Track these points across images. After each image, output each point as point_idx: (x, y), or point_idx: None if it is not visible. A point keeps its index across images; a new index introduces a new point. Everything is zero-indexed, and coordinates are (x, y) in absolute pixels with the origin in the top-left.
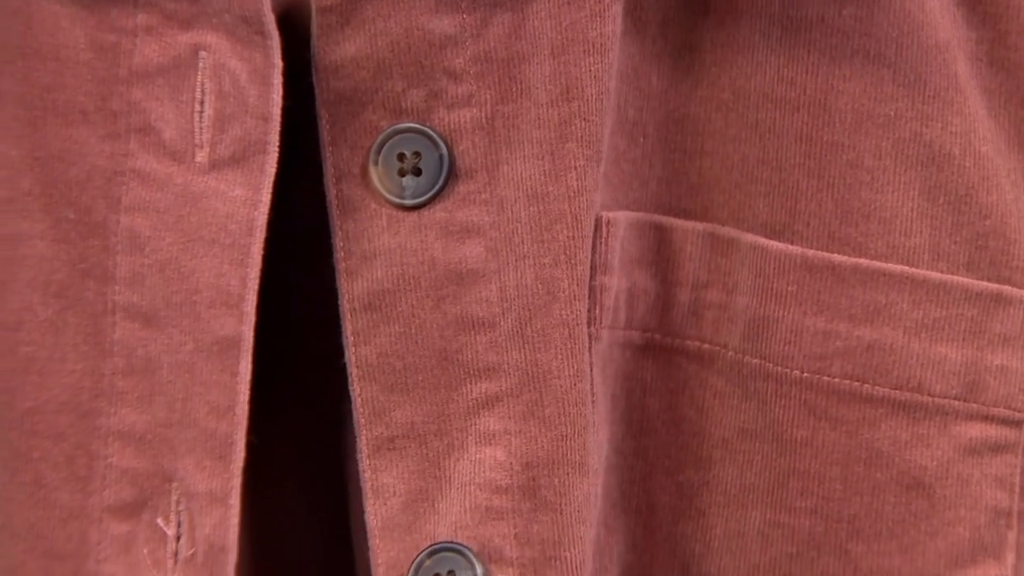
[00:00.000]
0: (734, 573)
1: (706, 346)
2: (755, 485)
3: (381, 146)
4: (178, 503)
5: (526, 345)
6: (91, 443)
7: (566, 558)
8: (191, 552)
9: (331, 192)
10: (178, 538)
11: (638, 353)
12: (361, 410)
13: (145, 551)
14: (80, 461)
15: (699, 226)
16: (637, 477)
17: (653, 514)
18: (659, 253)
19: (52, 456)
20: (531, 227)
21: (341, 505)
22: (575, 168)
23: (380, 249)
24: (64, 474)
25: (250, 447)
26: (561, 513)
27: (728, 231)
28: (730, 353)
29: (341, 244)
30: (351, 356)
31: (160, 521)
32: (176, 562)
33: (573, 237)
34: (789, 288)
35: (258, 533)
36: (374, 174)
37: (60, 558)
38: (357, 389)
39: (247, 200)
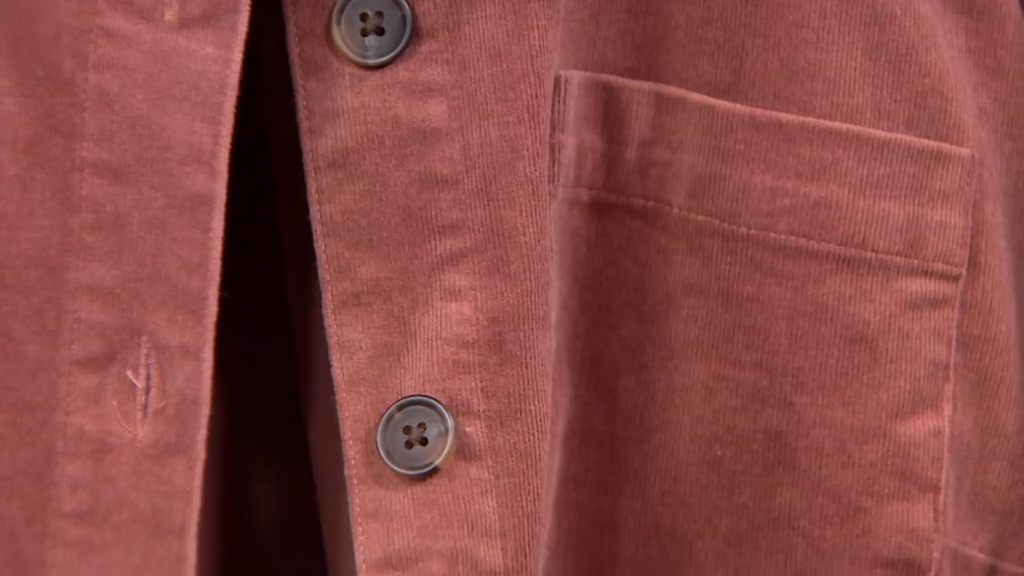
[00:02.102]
0: (677, 425)
1: (651, 203)
2: (699, 339)
3: (344, 5)
4: (147, 356)
5: (491, 202)
6: (60, 297)
7: (531, 411)
8: (162, 405)
9: (293, 51)
10: (147, 391)
11: (584, 210)
12: (326, 267)
13: (114, 403)
14: (49, 315)
15: (645, 85)
16: (581, 332)
17: (596, 368)
18: (606, 112)
19: (21, 310)
20: (494, 86)
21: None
22: (537, 27)
23: (343, 108)
24: (33, 327)
25: (222, 303)
26: (526, 367)
27: (674, 90)
28: (675, 210)
29: (304, 103)
30: (315, 214)
31: (129, 374)
32: (145, 414)
33: (536, 96)
34: (737, 146)
35: (224, 387)
36: (336, 33)
37: (29, 410)
38: (322, 246)
39: (219, 58)
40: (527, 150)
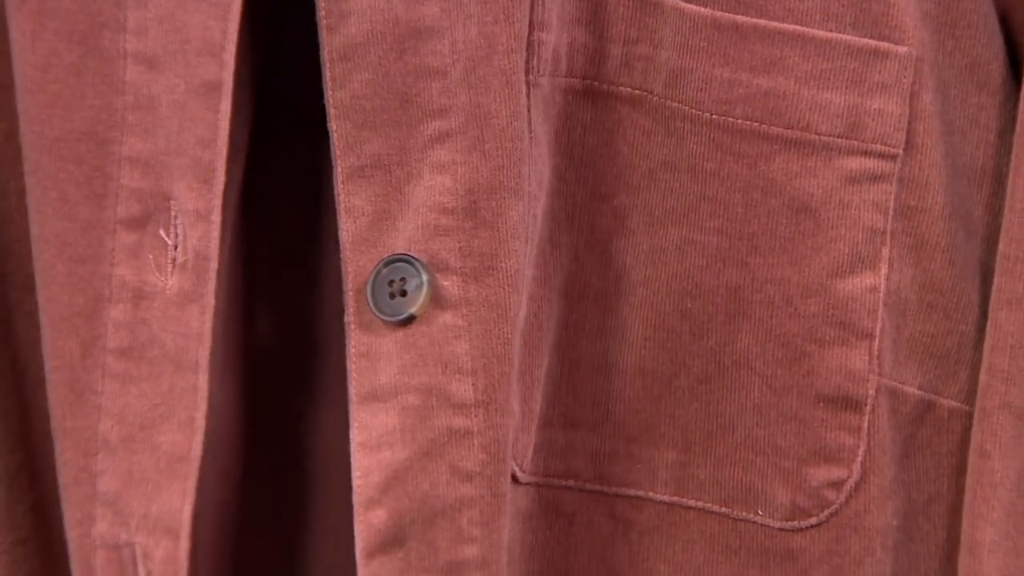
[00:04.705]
0: (656, 281)
1: (636, 92)
2: (674, 208)
3: None
4: (176, 218)
5: (471, 90)
6: (106, 166)
7: (502, 267)
8: (184, 259)
9: None
10: (176, 247)
11: (578, 97)
12: (338, 143)
13: (150, 257)
14: (97, 182)
15: None
16: (579, 202)
17: (592, 232)
18: (595, 14)
19: (74, 177)
20: None
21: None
22: None
23: (354, 8)
24: (84, 192)
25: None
26: (497, 230)
27: None
28: (655, 98)
29: (324, 5)
30: (329, 98)
31: (162, 232)
32: (174, 267)
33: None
34: (701, 44)
35: (248, 247)
36: None
37: (82, 261)
38: (334, 126)
39: None
40: (502, 46)
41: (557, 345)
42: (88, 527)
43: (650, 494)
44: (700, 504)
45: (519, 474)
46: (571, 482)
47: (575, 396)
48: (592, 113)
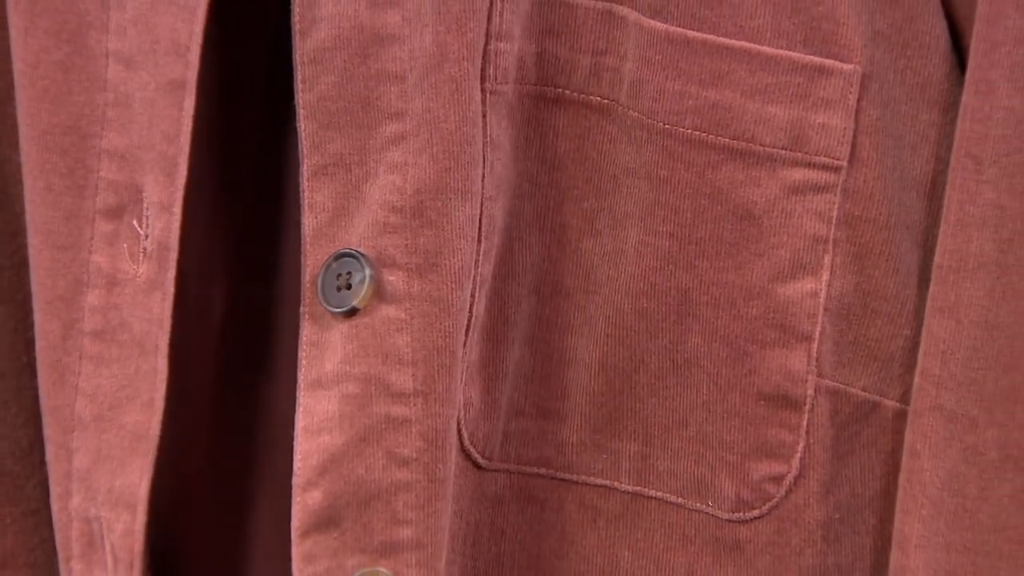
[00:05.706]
0: (616, 281)
1: (605, 101)
2: (633, 212)
3: None
4: (147, 209)
5: (423, 95)
6: (87, 159)
7: (446, 265)
8: (152, 248)
9: None
10: (146, 237)
11: (550, 104)
12: (305, 142)
13: (124, 246)
14: (79, 173)
15: (599, 4)
16: (552, 203)
17: (564, 233)
18: (566, 25)
19: (59, 168)
20: (433, 1)
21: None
22: None
23: (325, 15)
24: (67, 183)
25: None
26: (442, 229)
27: (621, 9)
28: (619, 107)
29: (299, 11)
30: (299, 99)
31: (135, 223)
32: (144, 256)
33: (464, 11)
34: (656, 57)
35: (234, 237)
36: None
37: (63, 249)
38: (303, 125)
39: None
40: (453, 54)
41: (531, 339)
42: (66, 501)
43: (615, 484)
44: (659, 495)
45: (481, 460)
46: (543, 470)
47: (547, 388)
48: (564, 120)
